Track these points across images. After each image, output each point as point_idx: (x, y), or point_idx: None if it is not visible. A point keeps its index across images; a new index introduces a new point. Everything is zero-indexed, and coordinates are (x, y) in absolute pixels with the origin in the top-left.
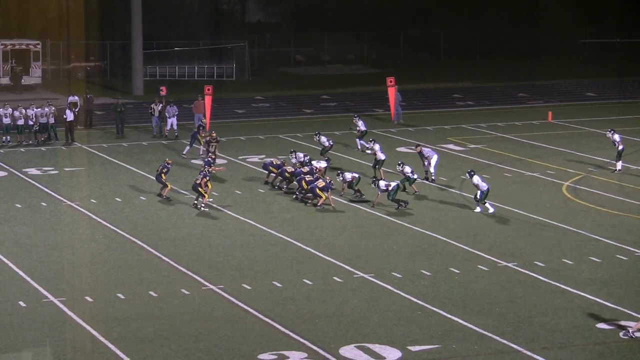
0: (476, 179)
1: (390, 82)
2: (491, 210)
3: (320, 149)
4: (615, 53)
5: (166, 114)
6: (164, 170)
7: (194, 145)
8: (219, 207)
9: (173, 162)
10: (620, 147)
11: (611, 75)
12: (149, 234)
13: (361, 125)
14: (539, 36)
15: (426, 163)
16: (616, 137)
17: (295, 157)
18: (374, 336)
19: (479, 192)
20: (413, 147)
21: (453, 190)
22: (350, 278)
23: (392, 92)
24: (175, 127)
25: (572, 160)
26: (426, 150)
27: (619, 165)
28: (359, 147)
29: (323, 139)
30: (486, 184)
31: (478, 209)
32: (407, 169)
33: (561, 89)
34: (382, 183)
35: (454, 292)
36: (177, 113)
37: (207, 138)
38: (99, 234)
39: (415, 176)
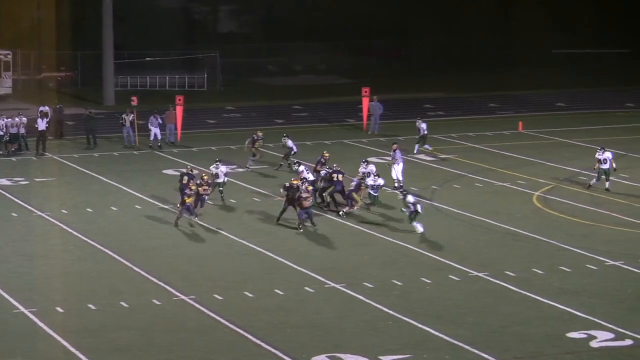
0: (411, 198)
1: (365, 92)
2: (421, 230)
3: (286, 152)
4: (586, 63)
5: (149, 124)
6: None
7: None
8: (191, 218)
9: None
10: (607, 166)
11: (582, 85)
12: (121, 245)
13: (422, 130)
14: (511, 47)
15: (395, 165)
16: (608, 154)
17: (366, 168)
18: (347, 346)
19: (419, 207)
20: (384, 157)
21: (424, 201)
22: (323, 288)
23: (366, 103)
24: (159, 137)
25: (543, 170)
26: (398, 154)
27: (607, 184)
28: (416, 151)
29: (289, 142)
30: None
31: (421, 229)
32: (372, 168)
33: (532, 99)
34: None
35: (425, 302)
36: (160, 123)
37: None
38: (71, 244)
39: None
